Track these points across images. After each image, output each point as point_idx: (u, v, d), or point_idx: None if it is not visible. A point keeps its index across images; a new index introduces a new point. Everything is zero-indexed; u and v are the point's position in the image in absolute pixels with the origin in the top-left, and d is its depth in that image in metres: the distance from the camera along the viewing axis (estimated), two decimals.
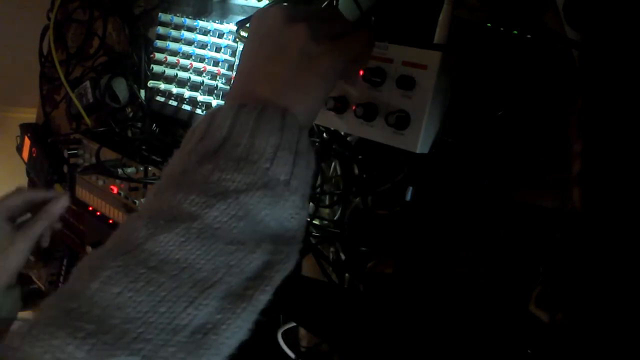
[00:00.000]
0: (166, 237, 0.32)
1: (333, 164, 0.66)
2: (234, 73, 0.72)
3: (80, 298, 0.30)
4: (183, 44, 0.79)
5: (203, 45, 0.77)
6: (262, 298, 0.33)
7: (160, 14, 0.82)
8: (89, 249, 0.89)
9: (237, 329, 0.32)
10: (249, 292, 0.33)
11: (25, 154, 1.17)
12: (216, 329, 0.31)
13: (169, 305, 0.30)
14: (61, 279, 1.09)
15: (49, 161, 1.07)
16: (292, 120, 0.39)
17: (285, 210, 0.36)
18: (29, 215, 0.74)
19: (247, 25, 0.65)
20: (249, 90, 0.42)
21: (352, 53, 0.44)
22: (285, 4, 0.43)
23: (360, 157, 0.61)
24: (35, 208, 0.74)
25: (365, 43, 0.47)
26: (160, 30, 0.82)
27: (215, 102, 0.75)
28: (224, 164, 0.36)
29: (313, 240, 0.67)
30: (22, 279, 0.71)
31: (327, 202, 0.68)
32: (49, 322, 0.29)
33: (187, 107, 0.79)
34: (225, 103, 0.41)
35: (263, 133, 0.37)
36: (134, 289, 0.30)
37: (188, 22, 0.78)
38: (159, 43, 0.81)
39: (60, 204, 0.75)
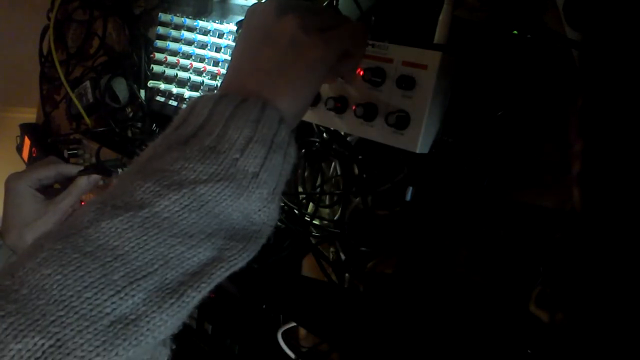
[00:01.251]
0: (109, 223, 0.32)
1: (333, 164, 0.66)
2: None
3: (14, 276, 0.30)
4: (183, 44, 0.79)
5: (203, 45, 0.77)
6: (195, 295, 0.32)
7: (160, 14, 0.82)
8: None
9: (161, 323, 0.31)
10: (182, 287, 0.32)
11: (25, 154, 1.17)
12: (138, 321, 0.30)
13: (95, 292, 0.30)
14: None
15: None
16: (272, 113, 0.38)
17: (251, 203, 0.36)
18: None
19: None
20: (236, 82, 0.42)
21: (343, 45, 0.43)
22: None
23: (360, 157, 0.61)
24: (65, 181, 0.75)
25: (357, 35, 0.46)
26: (160, 30, 0.82)
27: None
28: (190, 152, 0.36)
29: (313, 240, 0.67)
30: None
31: (327, 202, 0.68)
32: None
33: None
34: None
35: (237, 124, 0.37)
36: (63, 273, 0.30)
37: (188, 22, 0.78)
38: (159, 43, 0.81)
39: (92, 179, 0.75)
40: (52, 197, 0.73)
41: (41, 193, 0.73)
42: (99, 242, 0.31)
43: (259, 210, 0.37)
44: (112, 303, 0.30)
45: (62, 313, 0.29)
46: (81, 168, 0.77)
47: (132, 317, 0.30)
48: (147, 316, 0.31)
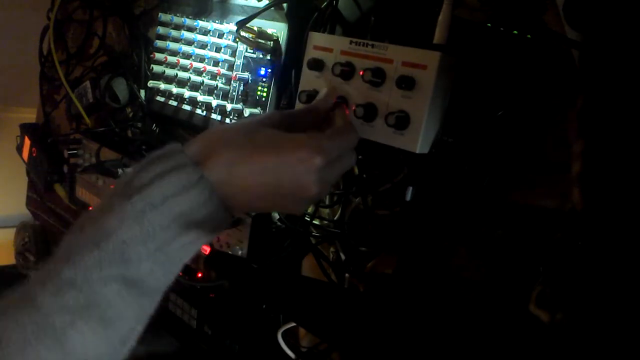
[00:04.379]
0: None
1: None
2: (231, 80, 0.72)
3: None
4: (183, 44, 0.79)
5: (203, 45, 0.77)
6: None
7: (160, 14, 0.82)
8: None
9: None
10: None
11: (25, 154, 1.17)
12: None
13: None
14: None
15: (49, 161, 1.07)
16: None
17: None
18: None
19: (248, 26, 0.65)
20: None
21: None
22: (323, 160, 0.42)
23: (360, 157, 0.61)
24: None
25: None
26: (160, 30, 0.82)
27: (215, 102, 0.74)
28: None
29: (313, 240, 0.67)
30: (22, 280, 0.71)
31: (327, 202, 0.68)
32: None
33: (187, 107, 0.79)
34: None
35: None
36: None
37: (188, 22, 0.78)
38: (159, 43, 0.81)
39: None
40: None
41: None
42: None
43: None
44: None
45: None
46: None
47: None
48: None
